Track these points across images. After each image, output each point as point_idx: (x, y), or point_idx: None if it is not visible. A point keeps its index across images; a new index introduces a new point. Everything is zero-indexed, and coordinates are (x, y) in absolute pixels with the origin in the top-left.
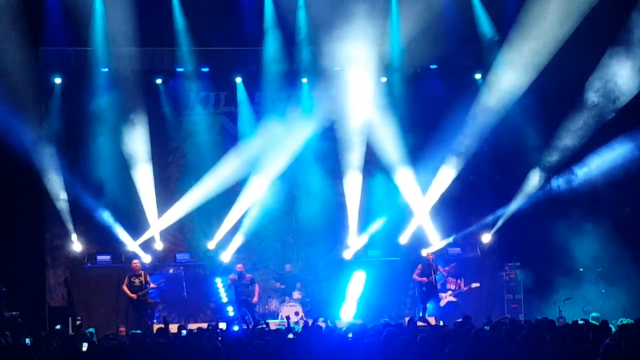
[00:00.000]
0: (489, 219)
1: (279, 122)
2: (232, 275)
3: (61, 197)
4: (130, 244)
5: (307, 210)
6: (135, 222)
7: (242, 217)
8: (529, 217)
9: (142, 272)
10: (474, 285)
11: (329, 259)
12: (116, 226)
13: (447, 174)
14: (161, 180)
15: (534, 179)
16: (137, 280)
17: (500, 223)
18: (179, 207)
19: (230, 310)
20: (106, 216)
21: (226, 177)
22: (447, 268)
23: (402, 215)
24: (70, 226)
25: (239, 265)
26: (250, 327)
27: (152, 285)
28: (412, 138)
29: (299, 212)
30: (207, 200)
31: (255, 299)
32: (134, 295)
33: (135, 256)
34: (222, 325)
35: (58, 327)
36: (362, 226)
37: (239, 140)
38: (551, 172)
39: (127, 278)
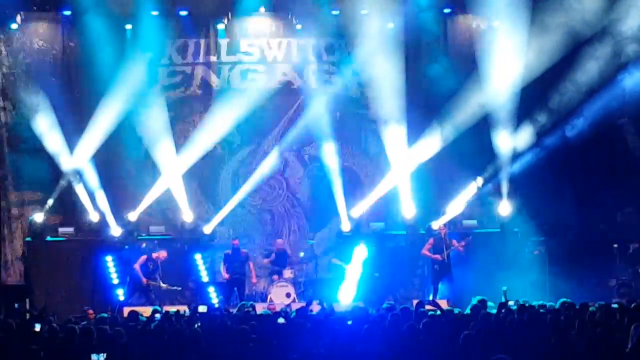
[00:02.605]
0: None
1: (267, 74)
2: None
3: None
4: (95, 214)
5: (300, 177)
6: (107, 189)
7: (226, 184)
8: (549, 180)
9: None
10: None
11: (326, 233)
12: (82, 193)
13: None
14: (135, 140)
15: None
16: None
17: (505, 187)
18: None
19: (212, 291)
20: (70, 181)
21: (208, 137)
22: (462, 243)
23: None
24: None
25: (235, 241)
26: (234, 310)
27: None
28: (408, 99)
29: (291, 178)
30: (186, 165)
31: (253, 279)
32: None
33: (104, 226)
34: (202, 309)
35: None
36: (365, 195)
37: (221, 95)
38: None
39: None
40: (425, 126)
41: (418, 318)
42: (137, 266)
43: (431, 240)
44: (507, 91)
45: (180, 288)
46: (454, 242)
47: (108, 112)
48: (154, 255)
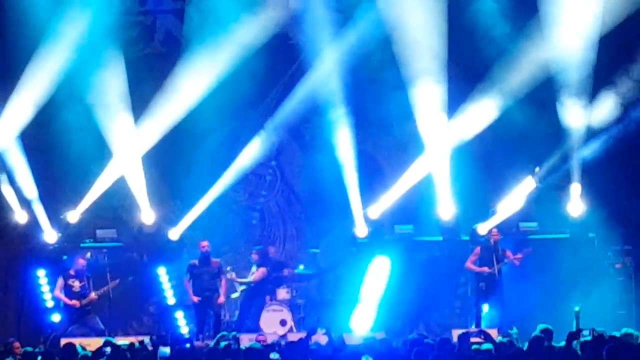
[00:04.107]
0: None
1: (255, 26)
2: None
3: None
4: (22, 214)
5: (300, 164)
6: (39, 179)
7: (199, 173)
8: (635, 169)
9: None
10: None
11: (334, 239)
12: (5, 185)
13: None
14: (77, 114)
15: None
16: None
17: (577, 178)
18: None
19: (180, 317)
20: None
21: (175, 110)
22: (519, 255)
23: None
24: None
25: (204, 243)
26: (211, 343)
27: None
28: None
29: (287, 166)
30: (145, 146)
31: (221, 298)
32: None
33: (35, 230)
34: (165, 351)
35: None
36: (387, 188)
37: (192, 53)
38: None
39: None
40: (469, 94)
41: (461, 354)
42: (57, 293)
43: (477, 250)
44: (579, 46)
45: (117, 281)
46: (509, 253)
47: (42, 76)
48: (71, 272)
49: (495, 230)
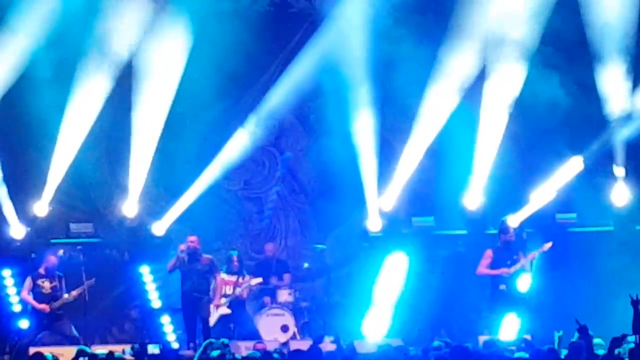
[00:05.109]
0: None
1: None
2: (182, 246)
3: None
4: None
5: (303, 148)
6: (5, 164)
7: (188, 159)
8: None
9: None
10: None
11: (343, 233)
12: None
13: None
14: (51, 86)
15: None
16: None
17: (621, 162)
18: (73, 139)
19: (166, 323)
20: None
21: (160, 87)
22: (533, 254)
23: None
24: None
25: (192, 238)
26: (199, 352)
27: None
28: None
29: (289, 150)
30: (124, 129)
31: (216, 300)
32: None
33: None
34: (153, 349)
35: None
36: (403, 175)
37: (178, 22)
38: None
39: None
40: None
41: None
42: (25, 295)
43: (489, 253)
44: (620, 13)
45: (93, 280)
46: (521, 256)
47: (10, 52)
48: (41, 271)
49: (512, 231)
